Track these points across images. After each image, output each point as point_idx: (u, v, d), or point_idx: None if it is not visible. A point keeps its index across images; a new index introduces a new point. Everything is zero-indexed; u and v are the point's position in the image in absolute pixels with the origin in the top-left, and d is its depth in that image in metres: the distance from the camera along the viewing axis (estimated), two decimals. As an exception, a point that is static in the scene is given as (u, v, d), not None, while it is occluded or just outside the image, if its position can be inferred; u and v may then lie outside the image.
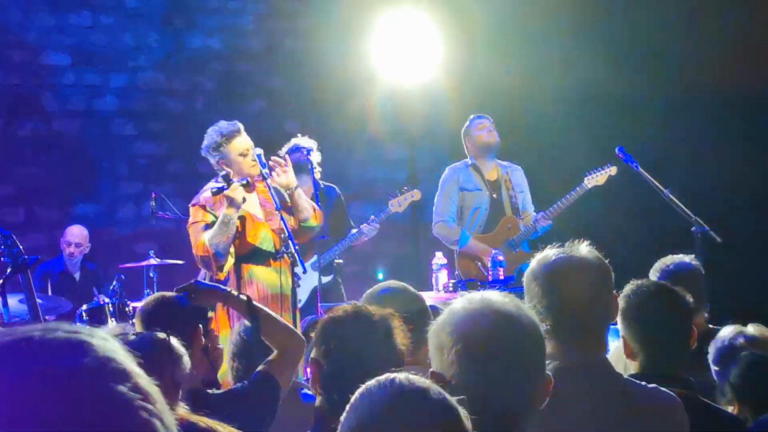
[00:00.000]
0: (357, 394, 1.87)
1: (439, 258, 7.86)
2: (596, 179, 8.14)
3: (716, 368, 4.03)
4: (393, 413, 1.74)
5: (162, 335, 3.35)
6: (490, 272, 7.66)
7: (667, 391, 2.93)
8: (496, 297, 2.36)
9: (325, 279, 8.38)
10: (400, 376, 1.81)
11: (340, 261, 8.68)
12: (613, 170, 8.16)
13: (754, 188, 9.12)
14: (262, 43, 11.02)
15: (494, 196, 8.30)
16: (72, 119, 10.34)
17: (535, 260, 2.91)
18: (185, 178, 10.56)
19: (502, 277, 7.58)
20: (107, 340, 1.07)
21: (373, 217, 8.41)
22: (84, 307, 8.12)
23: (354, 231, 8.45)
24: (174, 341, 3.40)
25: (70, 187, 10.21)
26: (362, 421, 1.77)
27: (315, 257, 8.22)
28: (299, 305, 8.22)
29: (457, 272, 8.10)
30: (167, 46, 10.69)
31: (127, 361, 1.07)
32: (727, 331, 4.15)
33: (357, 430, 1.78)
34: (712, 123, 9.39)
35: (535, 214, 8.32)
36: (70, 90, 10.36)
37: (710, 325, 4.83)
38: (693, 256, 5.40)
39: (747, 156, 9.03)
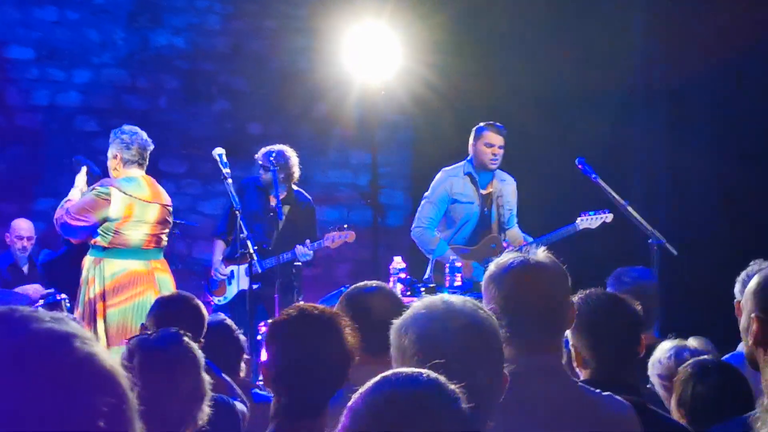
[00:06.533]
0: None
1: (398, 262, 7.85)
2: (589, 223, 7.97)
3: (665, 383, 4.08)
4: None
5: (183, 333, 3.36)
6: (448, 278, 7.66)
7: (621, 399, 2.97)
8: (457, 301, 2.41)
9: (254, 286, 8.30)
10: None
11: (299, 264, 8.67)
12: (608, 217, 7.97)
13: (714, 198, 9.24)
14: (228, 43, 11.02)
15: (485, 210, 8.14)
16: (34, 114, 10.30)
17: (494, 263, 2.94)
18: (147, 176, 10.55)
19: (458, 283, 7.60)
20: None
21: (308, 242, 8.25)
22: (40, 302, 8.09)
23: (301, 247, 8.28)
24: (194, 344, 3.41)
25: (31, 182, 10.16)
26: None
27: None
28: (224, 302, 8.30)
29: (428, 276, 8.04)
30: (132, 43, 10.66)
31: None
32: (668, 346, 4.19)
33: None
34: (671, 128, 9.53)
35: (523, 235, 8.20)
36: (34, 85, 10.31)
37: (656, 337, 4.89)
38: (650, 270, 5.46)
39: (708, 166, 9.15)
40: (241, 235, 7.31)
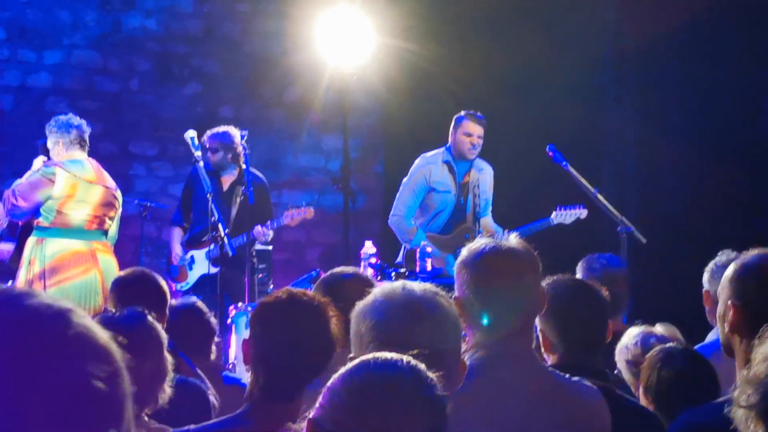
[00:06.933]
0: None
1: (369, 247, 7.86)
2: (564, 218, 8.03)
3: (632, 368, 4.12)
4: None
5: (147, 313, 3.36)
6: (418, 263, 7.68)
7: (589, 384, 3.01)
8: (417, 288, 2.44)
9: (214, 270, 8.27)
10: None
11: (270, 248, 8.65)
12: (583, 213, 8.03)
13: (683, 186, 9.31)
14: (200, 26, 10.97)
15: (461, 200, 8.16)
16: (5, 95, 10.24)
17: (466, 249, 2.96)
18: (117, 158, 10.50)
19: (429, 269, 7.62)
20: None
21: (269, 222, 8.23)
22: (9, 283, 8.07)
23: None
24: (157, 324, 3.42)
25: (0, 162, 10.11)
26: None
27: (211, 246, 8.13)
28: (186, 287, 8.29)
29: (400, 262, 8.05)
30: (104, 25, 10.61)
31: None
32: (635, 332, 4.24)
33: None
34: (642, 116, 9.58)
35: (495, 226, 8.21)
36: (4, 65, 10.25)
37: (624, 325, 4.93)
38: (619, 257, 5.50)
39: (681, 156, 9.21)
40: (212, 219, 7.32)
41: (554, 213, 8.06)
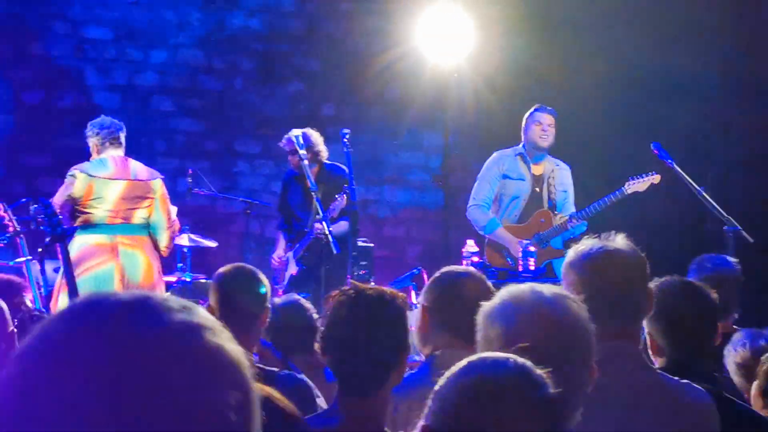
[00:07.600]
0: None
1: (471, 246, 7.85)
2: (637, 186, 7.87)
3: (742, 371, 4.05)
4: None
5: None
6: (521, 263, 7.63)
7: (699, 387, 2.96)
8: (546, 292, 2.37)
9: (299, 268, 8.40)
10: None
11: (372, 245, 8.67)
12: (656, 178, 7.85)
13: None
14: (303, 25, 11.06)
15: (536, 189, 8.18)
16: (112, 93, 10.44)
17: (573, 250, 2.95)
18: (221, 156, 10.66)
19: (532, 268, 7.56)
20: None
21: (318, 216, 8.23)
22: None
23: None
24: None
25: (108, 160, 10.31)
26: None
27: (298, 245, 8.29)
28: (283, 288, 8.40)
29: (483, 259, 8.04)
30: (208, 24, 10.75)
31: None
32: (744, 334, 4.16)
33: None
34: (749, 116, 9.39)
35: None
36: (112, 64, 10.45)
37: (734, 327, 4.84)
38: (735, 260, 5.41)
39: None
40: (317, 216, 7.38)
41: (627, 183, 7.93)
